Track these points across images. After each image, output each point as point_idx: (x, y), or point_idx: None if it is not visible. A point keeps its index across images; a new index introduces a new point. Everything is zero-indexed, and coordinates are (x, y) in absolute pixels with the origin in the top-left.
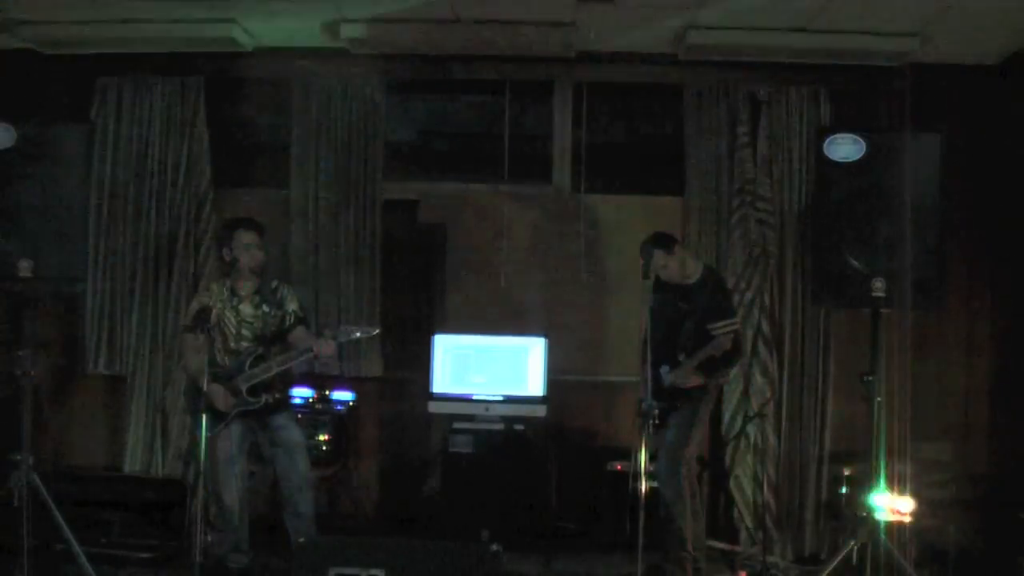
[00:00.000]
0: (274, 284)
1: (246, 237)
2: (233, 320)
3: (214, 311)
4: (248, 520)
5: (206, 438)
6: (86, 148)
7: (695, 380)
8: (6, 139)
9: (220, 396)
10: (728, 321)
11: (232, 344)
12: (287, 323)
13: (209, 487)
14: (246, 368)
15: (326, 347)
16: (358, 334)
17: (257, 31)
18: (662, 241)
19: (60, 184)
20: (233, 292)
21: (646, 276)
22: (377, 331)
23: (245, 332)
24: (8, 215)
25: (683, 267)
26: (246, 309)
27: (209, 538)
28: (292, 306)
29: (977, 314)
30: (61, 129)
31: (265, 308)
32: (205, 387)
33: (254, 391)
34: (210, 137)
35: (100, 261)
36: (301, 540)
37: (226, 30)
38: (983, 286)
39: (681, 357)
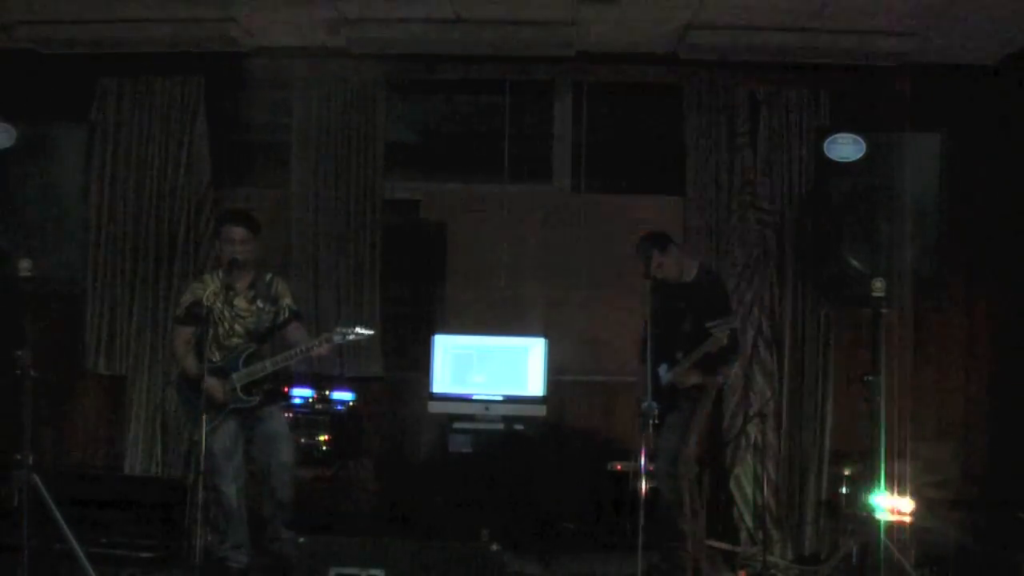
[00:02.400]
0: (268, 277)
1: (231, 232)
2: (227, 314)
3: (208, 304)
4: (247, 519)
5: (203, 433)
6: (86, 148)
7: (693, 379)
8: (6, 139)
9: (216, 389)
10: (725, 319)
11: (223, 340)
12: (281, 318)
13: (208, 482)
14: (240, 366)
15: (322, 349)
16: (352, 336)
17: (257, 31)
18: (656, 240)
19: (60, 184)
20: (228, 285)
21: (647, 276)
22: (372, 332)
23: (238, 328)
24: (8, 215)
25: (679, 266)
26: (240, 303)
27: (209, 538)
28: (286, 300)
29: (977, 314)
30: (61, 129)
31: (260, 303)
32: (204, 382)
33: (248, 389)
34: (210, 137)
35: (100, 261)
36: (301, 540)
37: (226, 30)
38: (983, 286)
39: (679, 356)
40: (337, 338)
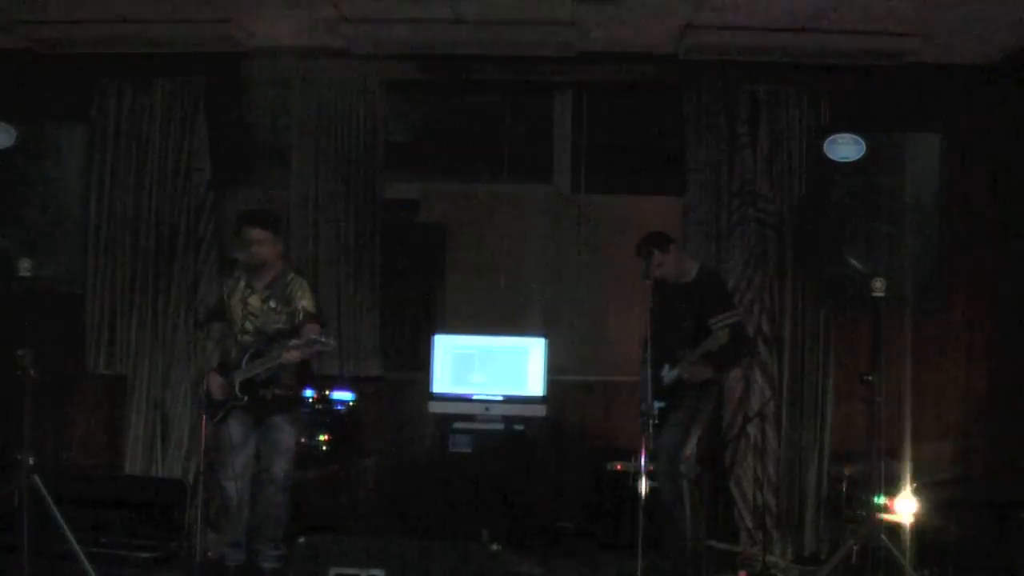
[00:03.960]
0: (289, 277)
1: (248, 232)
2: (240, 312)
3: (228, 301)
4: (248, 518)
5: (208, 427)
6: (86, 148)
7: (704, 372)
8: (6, 139)
9: (216, 386)
10: (727, 315)
11: (238, 337)
12: (297, 319)
13: (211, 477)
14: (243, 364)
15: (290, 355)
16: (317, 347)
17: (257, 31)
18: (657, 240)
19: (60, 184)
20: (248, 283)
21: (646, 277)
22: (334, 344)
23: (248, 325)
24: (8, 215)
25: (679, 265)
26: (253, 302)
27: (210, 535)
28: (303, 302)
29: (977, 314)
30: (61, 129)
31: (272, 303)
32: (206, 378)
33: (245, 388)
34: (210, 137)
35: (100, 261)
36: (301, 540)
37: (226, 30)
38: (983, 286)
39: (681, 355)
40: (305, 348)
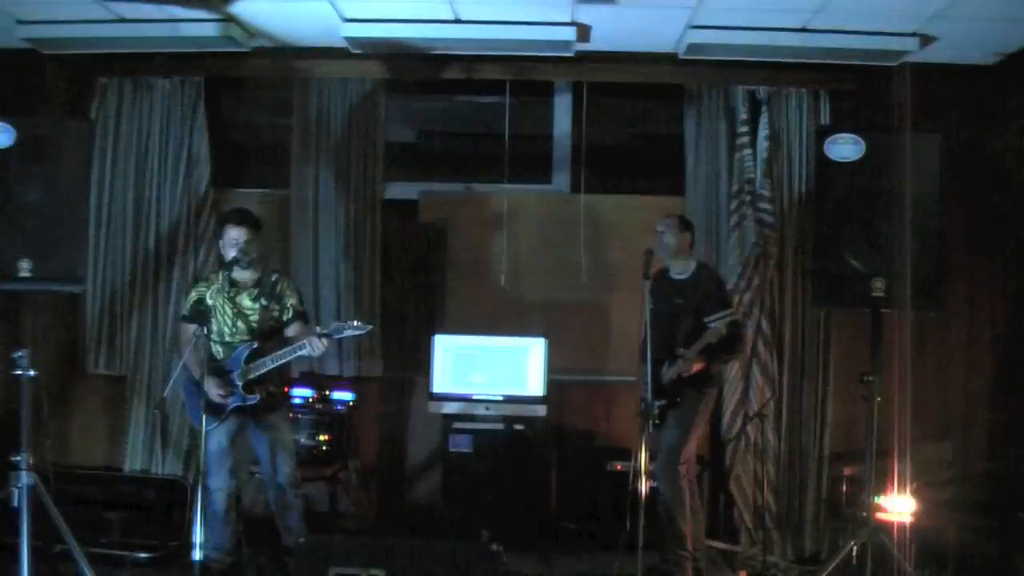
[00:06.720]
0: (274, 277)
1: (233, 232)
2: (230, 312)
3: (211, 302)
4: (235, 521)
5: (203, 432)
6: (86, 148)
7: (697, 365)
8: (6, 139)
9: (215, 389)
10: (724, 312)
11: (228, 337)
12: (285, 317)
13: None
14: (242, 363)
15: (318, 345)
16: (348, 332)
17: (257, 31)
18: (681, 220)
19: (60, 184)
20: (232, 283)
21: (647, 276)
22: (369, 328)
23: (241, 325)
24: (8, 215)
25: (680, 256)
26: (244, 301)
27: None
28: (291, 300)
29: (977, 314)
30: (61, 129)
31: (263, 301)
32: (204, 382)
33: (249, 387)
34: (210, 137)
35: (100, 261)
36: (300, 540)
37: (226, 30)
38: (983, 286)
39: (680, 352)
40: (334, 335)
